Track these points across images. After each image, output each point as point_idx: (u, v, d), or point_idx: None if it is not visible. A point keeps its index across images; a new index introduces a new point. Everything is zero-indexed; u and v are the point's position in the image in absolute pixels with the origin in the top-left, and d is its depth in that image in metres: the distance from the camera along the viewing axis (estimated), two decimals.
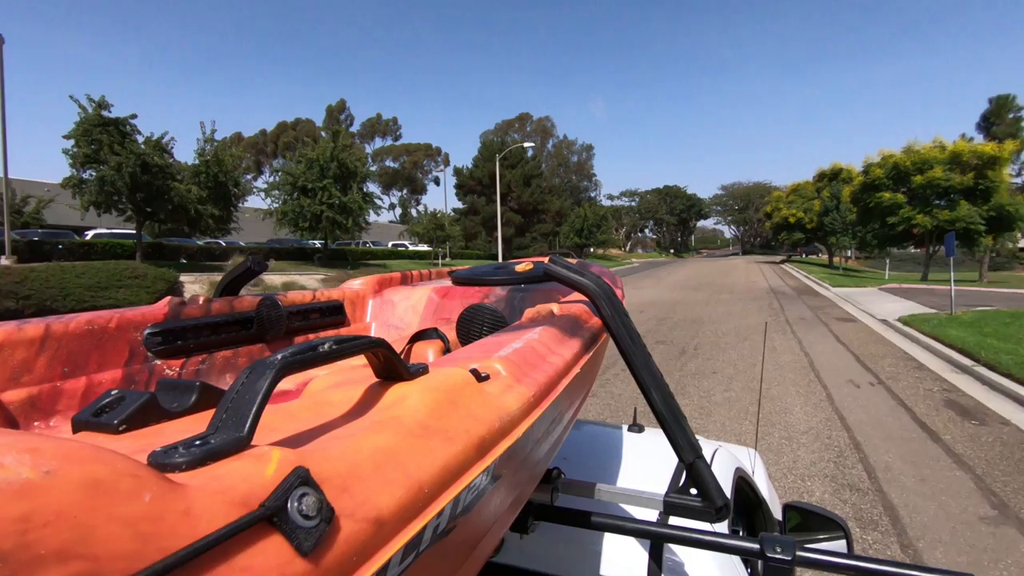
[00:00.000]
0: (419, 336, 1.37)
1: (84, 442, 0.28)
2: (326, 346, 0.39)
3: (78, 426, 0.42)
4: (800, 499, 3.54)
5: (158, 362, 1.19)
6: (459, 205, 48.29)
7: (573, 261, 1.44)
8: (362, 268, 24.55)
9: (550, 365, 0.72)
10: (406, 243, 42.60)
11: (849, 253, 56.09)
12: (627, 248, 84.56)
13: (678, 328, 11.77)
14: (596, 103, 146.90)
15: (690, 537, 0.84)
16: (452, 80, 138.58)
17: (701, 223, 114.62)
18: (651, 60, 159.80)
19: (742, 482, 1.66)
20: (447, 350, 1.31)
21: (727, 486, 1.48)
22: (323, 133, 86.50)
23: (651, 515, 1.08)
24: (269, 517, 0.30)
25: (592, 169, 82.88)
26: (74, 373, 1.06)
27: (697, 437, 1.56)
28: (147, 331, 1.19)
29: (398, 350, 1.16)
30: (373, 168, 41.66)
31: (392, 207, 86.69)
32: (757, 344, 9.75)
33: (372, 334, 1.79)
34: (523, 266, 1.89)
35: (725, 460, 1.66)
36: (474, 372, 0.57)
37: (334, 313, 1.72)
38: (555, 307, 0.98)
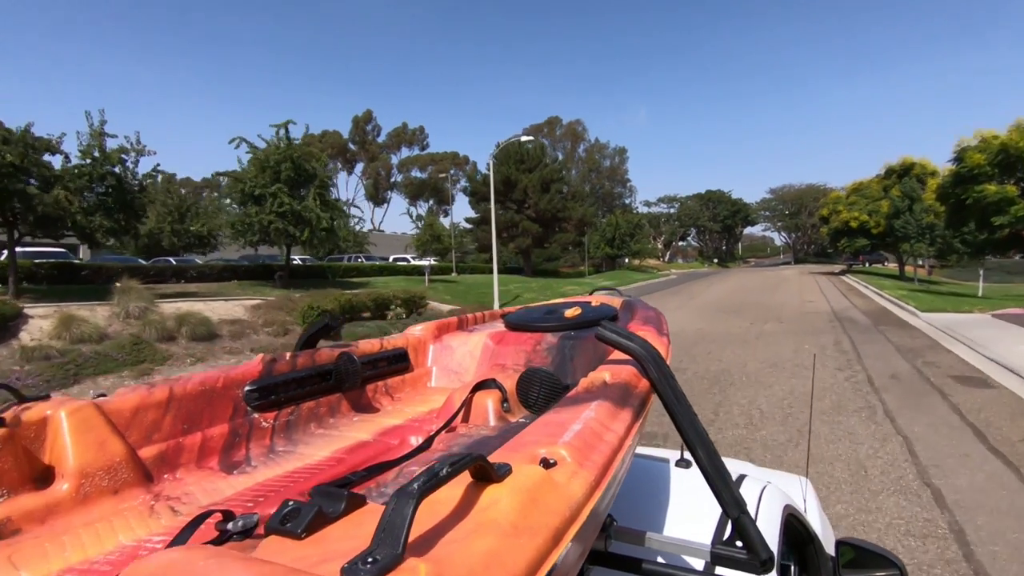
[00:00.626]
0: (480, 386, 1.49)
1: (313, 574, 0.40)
2: (444, 471, 0.50)
3: (270, 531, 0.51)
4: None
5: (256, 415, 1.36)
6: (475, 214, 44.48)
7: (615, 300, 2.29)
8: (333, 288, 20.83)
9: (607, 445, 0.78)
10: (408, 256, 39.02)
11: (921, 261, 49.09)
12: (666, 258, 78.73)
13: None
14: (637, 109, 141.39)
15: None
16: (480, 88, 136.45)
17: (748, 230, 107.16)
18: (689, 60, 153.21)
19: (792, 519, 1.66)
20: (504, 400, 1.46)
21: (775, 527, 1.51)
22: (351, 144, 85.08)
23: (698, 562, 1.11)
24: None
25: (626, 174, 77.85)
26: (191, 429, 1.23)
27: (746, 470, 1.98)
28: (246, 388, 1.36)
29: (459, 394, 1.47)
30: (397, 179, 37.98)
31: (419, 218, 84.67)
32: (827, 454, 5.13)
33: (433, 378, 1.97)
34: (572, 311, 2.01)
35: (773, 499, 1.66)
36: (544, 461, 0.67)
37: (399, 360, 1.86)
38: (607, 375, 1.01)
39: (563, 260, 63.49)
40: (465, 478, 0.57)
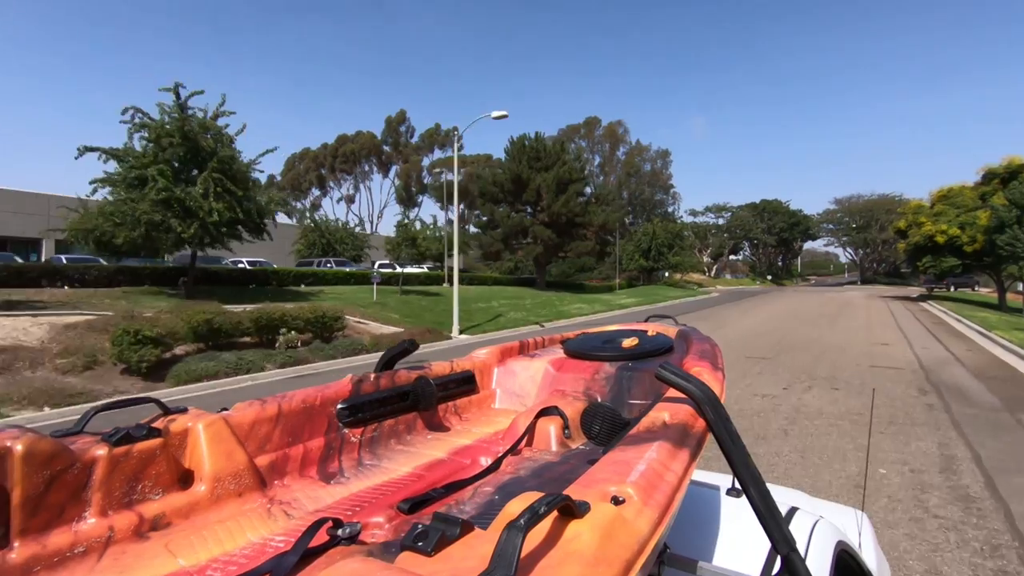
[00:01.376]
0: (544, 412, 1.59)
1: None
2: (542, 509, 0.59)
3: (404, 547, 0.61)
4: None
5: (346, 431, 1.50)
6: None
7: (670, 329, 2.38)
8: (265, 299, 16.49)
9: (668, 484, 0.85)
10: (390, 262, 34.63)
11: (1022, 286, 40.66)
12: (712, 272, 71.47)
13: None
14: (687, 112, 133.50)
15: None
16: (519, 86, 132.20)
17: (809, 245, 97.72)
18: (744, 60, 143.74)
19: (844, 555, 1.65)
20: (566, 427, 1.56)
21: (826, 565, 1.52)
22: (385, 146, 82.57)
23: None
24: None
25: (669, 179, 71.28)
26: (295, 442, 1.38)
27: (799, 501, 2.03)
28: (339, 406, 1.50)
29: (524, 419, 1.58)
30: (428, 180, 34.00)
31: (449, 222, 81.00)
32: None
33: (497, 400, 2.10)
34: (629, 341, 2.07)
35: (825, 535, 1.66)
36: (614, 499, 0.74)
37: (467, 383, 1.98)
38: (666, 415, 1.08)
39: (597, 272, 57.94)
40: (553, 513, 0.64)
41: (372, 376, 1.65)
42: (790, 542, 0.96)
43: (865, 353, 12.72)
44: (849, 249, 77.71)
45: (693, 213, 73.84)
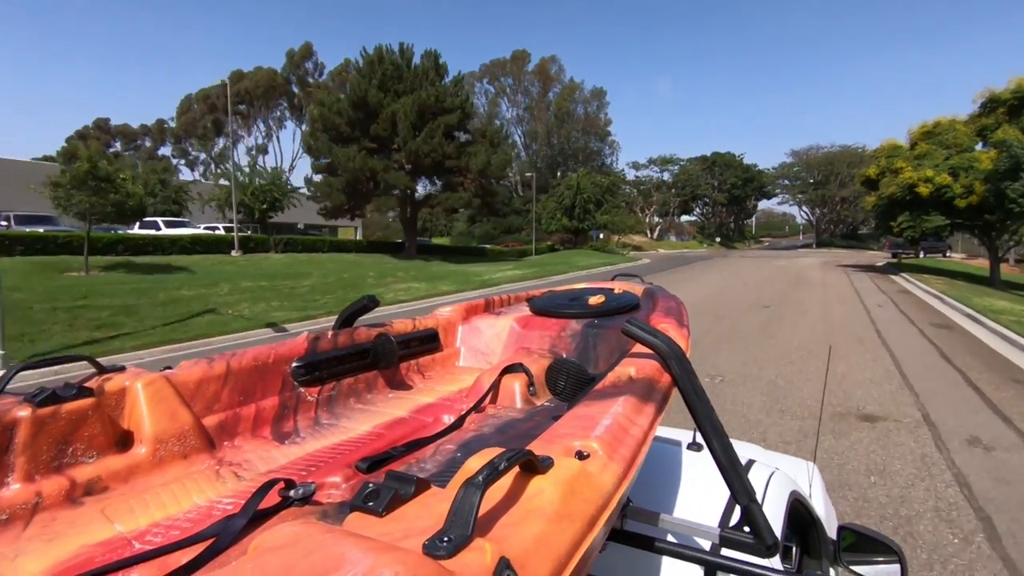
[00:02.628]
0: (508, 369, 1.56)
1: (418, 552, 0.45)
2: (503, 464, 0.57)
3: (353, 508, 0.58)
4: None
5: (302, 389, 1.45)
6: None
7: (637, 287, 2.38)
8: None
9: (633, 438, 0.85)
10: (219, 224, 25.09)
11: (1012, 257, 33.97)
12: (655, 234, 63.48)
13: None
14: (631, 59, 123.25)
15: (741, 569, 0.96)
16: (440, 23, 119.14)
17: (765, 204, 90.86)
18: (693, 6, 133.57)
19: (797, 504, 1.74)
20: (531, 384, 1.54)
21: (780, 513, 1.59)
22: (293, 87, 69.95)
23: (706, 543, 1.17)
24: None
25: (607, 125, 61.94)
26: (247, 401, 1.33)
27: (756, 454, 2.09)
28: (293, 364, 1.44)
29: (488, 376, 1.55)
30: None
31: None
32: None
33: (461, 358, 2.04)
34: (596, 299, 2.08)
35: (780, 485, 1.73)
36: (578, 453, 0.74)
37: (430, 340, 1.93)
38: (632, 369, 1.08)
39: (525, 234, 48.97)
40: (515, 469, 0.63)
41: (330, 334, 1.59)
42: (750, 493, 0.97)
43: (836, 461, 4.28)
44: (805, 208, 70.26)
45: (635, 166, 65.28)
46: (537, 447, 0.72)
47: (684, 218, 73.64)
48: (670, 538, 1.06)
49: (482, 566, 0.46)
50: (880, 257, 41.21)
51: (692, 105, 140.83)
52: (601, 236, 56.31)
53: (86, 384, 1.12)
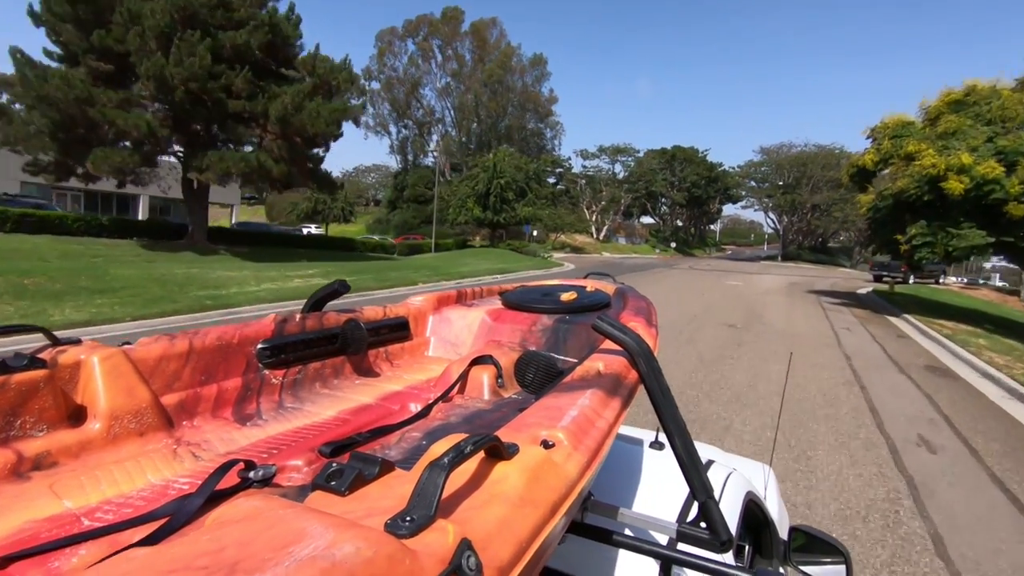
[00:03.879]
0: (477, 361, 1.56)
1: (379, 530, 0.45)
2: (468, 448, 0.57)
3: (316, 487, 0.57)
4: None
5: (267, 372, 1.42)
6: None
7: (609, 286, 2.41)
8: None
9: (598, 430, 0.87)
10: None
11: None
12: (603, 235, 55.00)
13: None
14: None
15: (695, 563, 0.96)
16: None
17: (732, 210, 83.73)
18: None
19: (752, 504, 1.78)
20: (499, 376, 1.55)
21: (736, 512, 1.62)
22: None
23: (664, 538, 1.19)
24: (454, 571, 0.46)
25: (553, 103, 52.97)
26: (208, 381, 1.30)
27: (715, 455, 2.14)
28: (259, 346, 1.42)
29: (457, 367, 1.54)
30: None
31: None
32: None
33: (431, 348, 2.03)
34: (568, 295, 2.08)
35: (737, 485, 1.77)
36: (544, 442, 0.75)
37: (400, 328, 1.92)
38: (600, 364, 1.10)
39: (446, 227, 39.79)
40: (480, 454, 0.64)
41: (298, 317, 1.57)
42: (708, 490, 0.99)
43: None
44: (772, 215, 62.54)
45: (584, 155, 56.43)
46: (504, 435, 0.71)
47: (645, 219, 65.44)
48: (628, 532, 1.06)
49: (444, 546, 0.47)
50: (858, 278, 33.33)
51: (657, 96, 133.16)
52: (535, 233, 47.53)
53: (39, 355, 1.08)
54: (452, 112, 51.26)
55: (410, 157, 55.40)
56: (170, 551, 0.42)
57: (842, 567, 1.68)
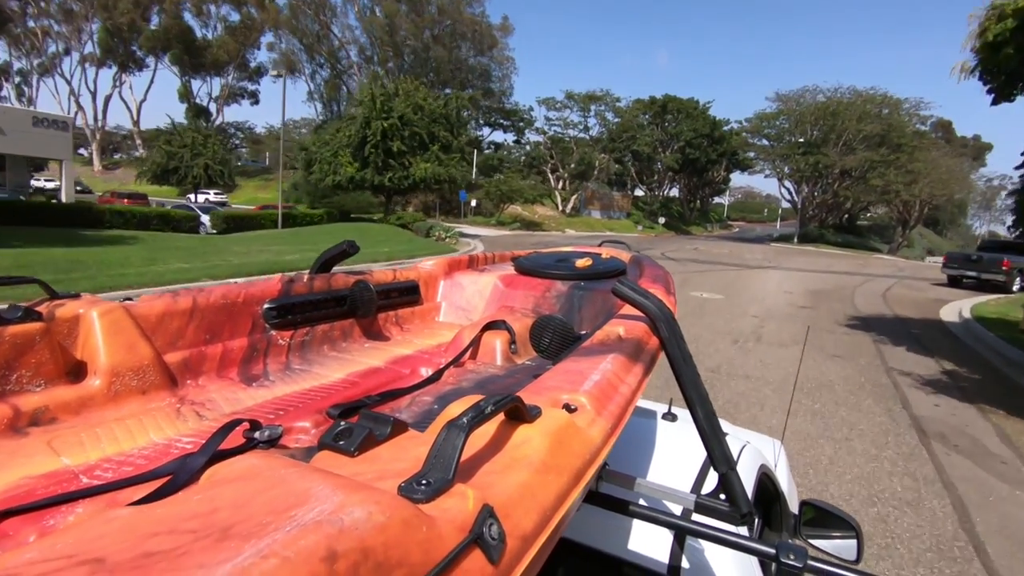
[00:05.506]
0: (490, 326, 1.51)
1: (394, 494, 0.42)
2: (489, 408, 0.53)
3: (323, 446, 0.55)
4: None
5: (273, 332, 1.39)
6: None
7: (624, 254, 2.36)
8: None
9: (621, 396, 0.85)
10: None
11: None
12: (570, 206, 43.45)
13: None
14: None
15: (715, 535, 0.92)
16: None
17: (745, 180, 70.70)
18: None
19: (764, 478, 1.76)
20: (513, 342, 1.49)
21: (750, 483, 1.58)
22: None
23: (679, 509, 1.17)
24: (475, 540, 0.43)
25: (504, 34, 40.87)
26: (213, 340, 1.28)
27: (728, 429, 1.95)
28: (265, 306, 1.39)
29: (469, 332, 1.49)
30: None
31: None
32: None
33: (441, 313, 2.00)
34: (583, 261, 2.03)
35: (750, 458, 1.74)
36: (566, 406, 0.73)
37: (411, 292, 1.88)
38: (621, 329, 1.08)
39: (364, 196, 28.42)
40: (500, 416, 0.61)
41: (305, 277, 1.55)
42: (729, 461, 0.96)
43: None
44: (789, 184, 48.82)
45: (548, 105, 44.11)
46: (524, 397, 0.66)
47: (637, 192, 53.42)
48: (642, 502, 1.03)
49: (463, 512, 0.44)
50: (913, 276, 21.69)
51: (644, 41, 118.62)
52: (475, 203, 36.30)
53: (35, 308, 1.06)
54: (371, 44, 39.46)
55: (338, 106, 44.21)
56: (156, 512, 0.39)
57: (853, 541, 1.63)
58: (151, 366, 1.12)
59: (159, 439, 0.96)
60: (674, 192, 54.70)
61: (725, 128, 49.70)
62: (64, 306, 1.09)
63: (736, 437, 1.86)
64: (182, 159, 32.24)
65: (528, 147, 46.21)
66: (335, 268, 1.70)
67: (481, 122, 44.53)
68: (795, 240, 42.94)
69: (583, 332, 1.54)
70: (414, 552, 0.38)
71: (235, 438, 0.81)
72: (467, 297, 1.99)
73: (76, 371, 1.07)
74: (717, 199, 73.69)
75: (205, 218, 22.59)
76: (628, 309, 1.14)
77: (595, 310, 1.75)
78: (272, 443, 0.86)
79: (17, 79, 49.49)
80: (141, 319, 1.15)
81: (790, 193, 48.15)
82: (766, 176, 50.79)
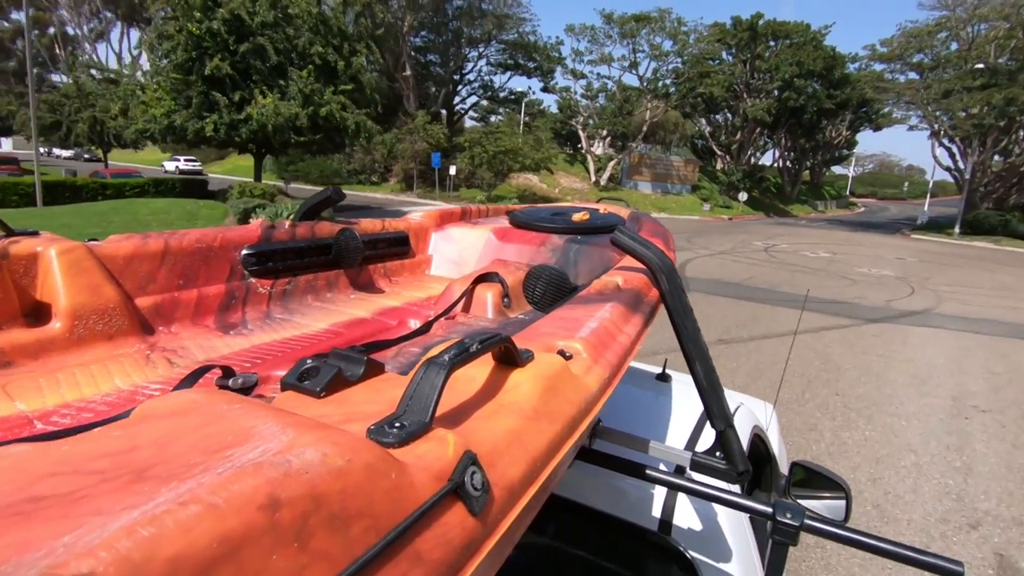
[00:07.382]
0: (482, 279, 1.47)
1: (359, 435, 0.37)
2: (474, 347, 0.49)
3: (286, 387, 0.50)
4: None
5: (253, 280, 1.35)
6: None
7: (623, 210, 2.20)
8: None
9: (619, 345, 0.82)
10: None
11: None
12: (606, 176, 31.34)
13: None
14: None
15: (711, 494, 0.90)
16: None
17: (871, 142, 52.27)
18: None
19: (757, 439, 1.80)
20: (505, 295, 1.44)
21: (744, 443, 1.54)
22: None
23: (673, 466, 1.16)
24: (455, 489, 0.39)
25: None
26: (187, 285, 1.23)
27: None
28: (243, 252, 1.34)
29: (459, 284, 1.40)
30: None
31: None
32: None
33: (432, 266, 1.94)
34: (580, 215, 1.97)
35: (744, 418, 1.77)
36: (561, 352, 0.69)
37: (400, 244, 1.84)
38: (619, 279, 1.06)
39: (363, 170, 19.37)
40: (488, 359, 0.58)
41: (287, 224, 1.49)
42: (728, 418, 0.94)
43: None
44: (955, 144, 29.72)
45: (580, 32, 31.61)
46: (516, 343, 0.61)
47: (704, 151, 39.61)
48: (637, 459, 1.00)
49: (442, 459, 0.40)
50: None
51: None
52: (453, 171, 25.98)
53: None
54: None
55: None
56: (61, 449, 0.34)
57: (842, 502, 1.64)
58: (118, 310, 1.06)
59: (124, 385, 0.92)
60: (758, 158, 39.85)
61: (851, 67, 34.49)
62: (19, 243, 1.03)
63: (730, 398, 1.76)
64: (65, 113, 25.13)
65: (559, 96, 34.52)
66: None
67: (493, 62, 33.49)
68: (956, 229, 27.64)
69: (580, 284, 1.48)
70: (380, 501, 0.34)
71: (206, 384, 0.76)
72: (459, 250, 1.93)
73: (36, 313, 1.01)
74: (838, 169, 56.29)
75: None
76: (627, 261, 1.11)
77: (592, 264, 1.69)
78: (246, 392, 0.80)
79: None
80: (107, 260, 1.09)
81: (951, 156, 31.38)
82: (910, 129, 33.77)
